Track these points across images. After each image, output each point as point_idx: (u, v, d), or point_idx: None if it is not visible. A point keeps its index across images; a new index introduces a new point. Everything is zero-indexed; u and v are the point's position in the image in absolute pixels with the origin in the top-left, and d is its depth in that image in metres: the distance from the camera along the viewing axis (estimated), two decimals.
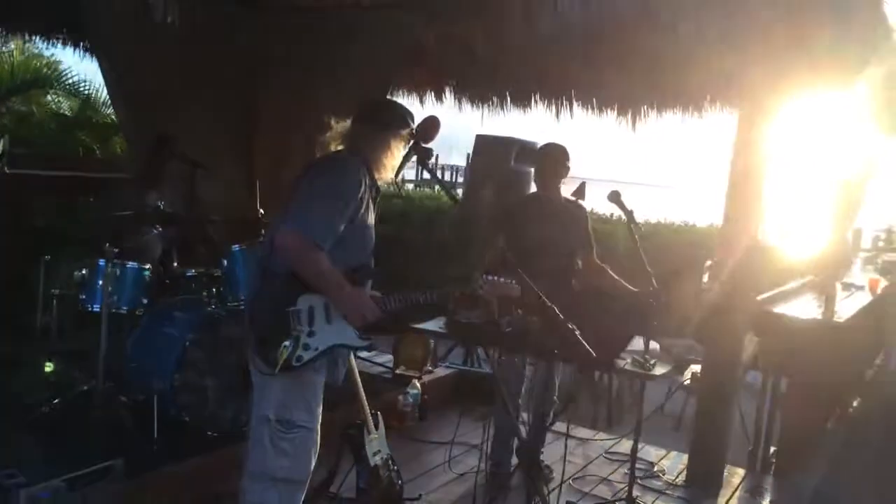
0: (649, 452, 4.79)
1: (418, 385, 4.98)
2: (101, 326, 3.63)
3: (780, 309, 4.75)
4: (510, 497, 3.57)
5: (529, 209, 3.99)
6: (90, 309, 3.75)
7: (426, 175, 2.85)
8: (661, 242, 8.29)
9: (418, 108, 5.73)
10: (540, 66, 5.01)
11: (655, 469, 4.49)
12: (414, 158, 2.51)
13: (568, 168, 3.94)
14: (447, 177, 23.56)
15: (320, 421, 2.59)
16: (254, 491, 2.49)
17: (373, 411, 3.50)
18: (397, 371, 5.36)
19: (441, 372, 5.54)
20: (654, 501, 4.03)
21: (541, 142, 6.30)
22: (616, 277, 3.94)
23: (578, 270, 3.90)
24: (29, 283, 3.92)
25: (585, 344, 2.28)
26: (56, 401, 3.58)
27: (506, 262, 2.47)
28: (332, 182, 2.45)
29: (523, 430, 3.53)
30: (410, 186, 12.74)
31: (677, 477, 4.38)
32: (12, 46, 7.08)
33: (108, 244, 3.60)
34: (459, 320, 3.10)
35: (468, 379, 5.45)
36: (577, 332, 2.28)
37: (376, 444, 3.43)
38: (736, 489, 4.30)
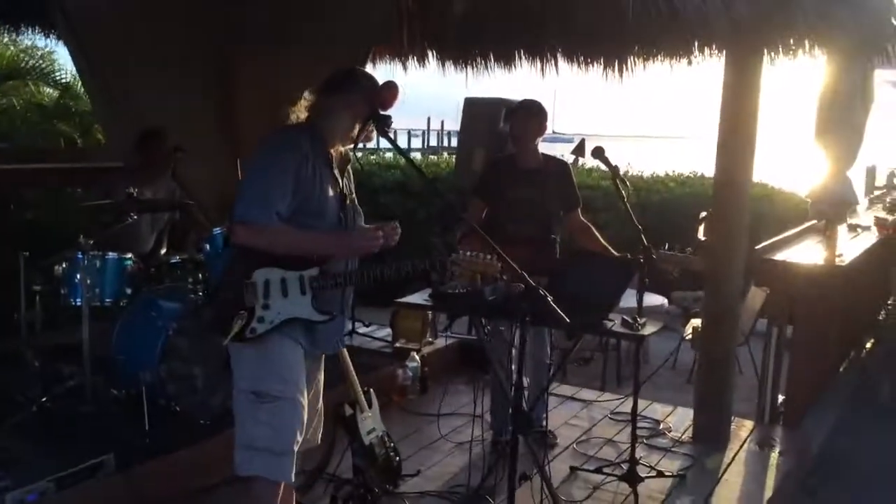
0: (655, 410, 4.73)
1: (417, 358, 4.91)
2: (83, 320, 3.57)
3: (781, 255, 4.65)
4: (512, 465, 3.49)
5: (502, 172, 3.86)
6: (73, 303, 3.68)
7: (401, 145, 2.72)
8: (669, 196, 8.16)
9: (401, 74, 5.60)
10: (522, 18, 4.84)
11: (661, 427, 4.42)
12: (372, 127, 2.39)
13: (541, 125, 3.79)
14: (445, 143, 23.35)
15: (304, 393, 2.52)
16: (241, 461, 2.47)
17: (365, 389, 3.44)
18: (397, 345, 5.31)
19: (442, 342, 5.47)
20: (659, 460, 3.96)
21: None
22: (598, 237, 3.84)
23: (559, 231, 3.80)
24: (12, 280, 3.85)
25: (557, 310, 2.18)
26: (45, 399, 3.53)
27: (472, 233, 2.36)
28: (263, 158, 2.41)
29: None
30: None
31: (683, 433, 4.32)
32: None
33: (81, 236, 3.53)
34: (444, 291, 3.02)
35: (471, 348, 5.38)
36: (550, 298, 2.18)
37: (370, 423, 3.37)
38: (744, 442, 4.23)
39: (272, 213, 2.35)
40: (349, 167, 2.67)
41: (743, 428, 4.42)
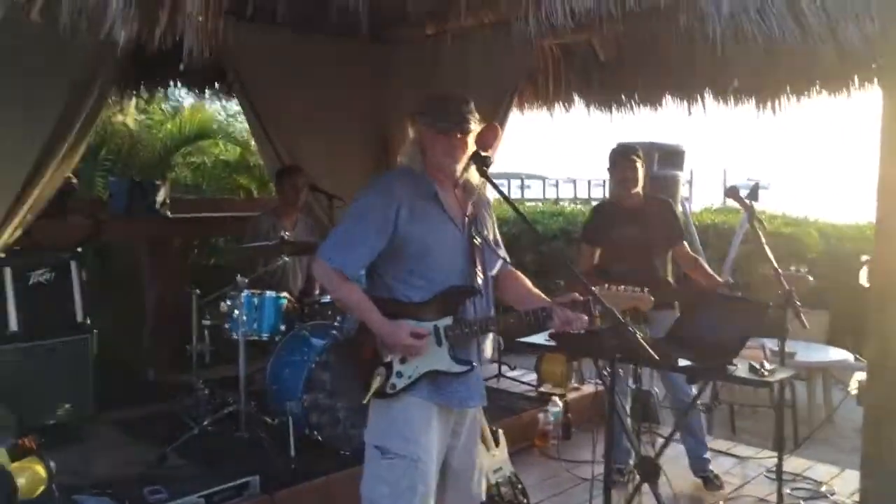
0: (819, 471, 4.36)
1: (560, 403, 4.87)
2: (240, 353, 3.91)
3: None
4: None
5: (606, 215, 4.09)
6: (233, 337, 4.04)
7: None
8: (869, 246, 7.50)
9: (547, 119, 5.69)
10: (669, 62, 4.80)
11: (823, 489, 4.06)
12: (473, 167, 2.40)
13: (631, 168, 3.91)
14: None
15: (431, 452, 2.41)
16: None
17: (493, 428, 3.48)
18: (541, 389, 5.30)
19: (588, 389, 5.38)
20: None
21: (682, 144, 6.07)
22: (707, 269, 3.88)
23: (663, 267, 3.94)
24: (188, 316, 4.31)
25: (647, 347, 2.12)
26: (206, 422, 3.89)
27: (574, 279, 2.34)
28: (353, 205, 2.45)
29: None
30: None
31: (849, 497, 3.94)
32: (186, 103, 8.06)
33: (238, 276, 3.89)
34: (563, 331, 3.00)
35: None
36: (640, 336, 2.13)
37: (497, 462, 3.41)
38: None
39: (345, 263, 2.35)
40: (484, 205, 2.58)
41: None
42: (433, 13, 5.00)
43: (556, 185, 26.21)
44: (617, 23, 3.59)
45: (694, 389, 3.41)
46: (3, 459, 3.08)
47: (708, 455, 4.14)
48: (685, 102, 5.06)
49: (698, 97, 4.98)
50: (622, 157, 3.98)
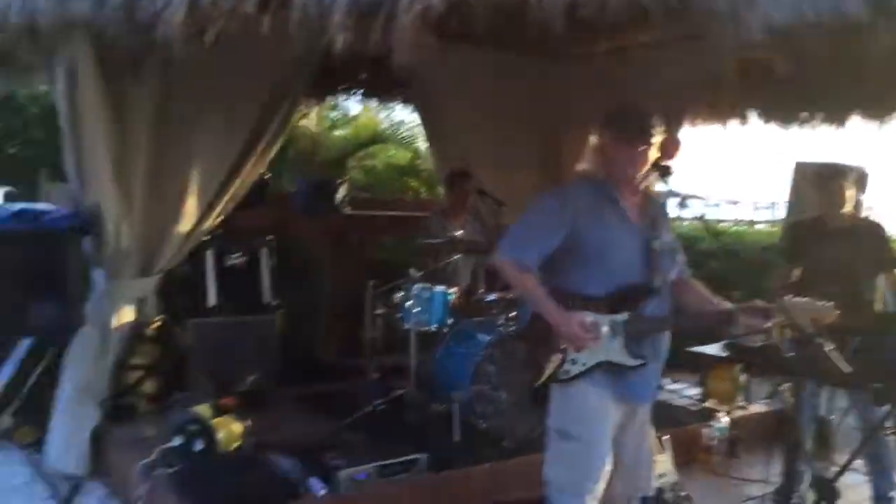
0: None
1: (725, 420, 4.72)
2: (411, 342, 4.15)
3: None
4: None
5: (809, 233, 3.95)
6: (405, 326, 4.27)
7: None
8: None
9: (721, 132, 5.58)
10: (861, 78, 4.56)
11: None
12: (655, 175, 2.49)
13: (840, 192, 3.81)
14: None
15: (606, 439, 2.54)
16: (548, 496, 2.59)
17: (658, 435, 3.47)
18: (706, 404, 5.15)
19: (757, 408, 5.16)
20: None
21: (867, 165, 5.75)
22: None
23: (871, 292, 3.75)
24: (362, 307, 4.61)
25: (841, 363, 2.06)
26: (378, 402, 4.15)
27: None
28: (530, 209, 2.63)
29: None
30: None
31: None
32: (358, 110, 8.62)
33: (412, 270, 4.13)
34: (741, 344, 2.96)
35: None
36: (830, 350, 2.06)
37: (661, 467, 3.41)
38: None
39: (520, 255, 2.51)
40: (662, 213, 2.69)
41: None
42: (613, 30, 5.04)
43: (717, 206, 25.29)
44: (813, 37, 3.49)
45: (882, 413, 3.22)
46: (207, 414, 3.47)
47: (894, 494, 3.86)
48: (877, 121, 4.78)
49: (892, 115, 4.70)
50: (832, 181, 3.93)
